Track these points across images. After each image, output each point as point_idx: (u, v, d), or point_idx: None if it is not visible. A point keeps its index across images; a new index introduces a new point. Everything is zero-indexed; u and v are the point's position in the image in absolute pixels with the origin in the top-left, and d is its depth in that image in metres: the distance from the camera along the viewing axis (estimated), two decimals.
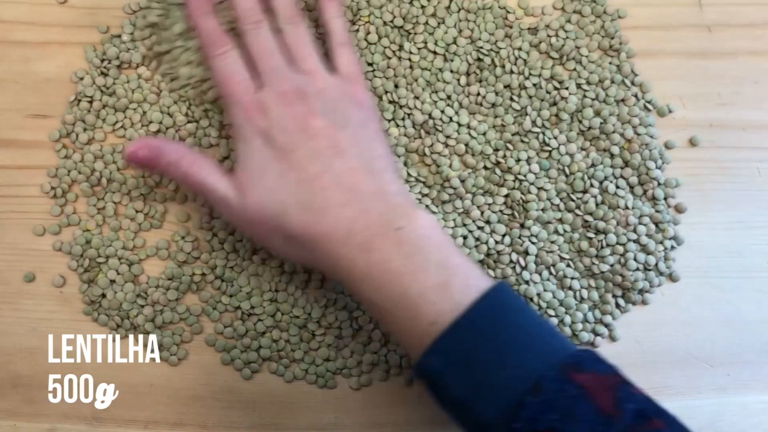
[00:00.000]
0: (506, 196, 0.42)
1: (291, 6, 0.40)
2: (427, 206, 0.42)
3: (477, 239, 0.42)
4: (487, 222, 0.42)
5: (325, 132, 0.36)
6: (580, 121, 0.43)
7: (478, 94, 0.43)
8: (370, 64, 0.43)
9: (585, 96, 0.43)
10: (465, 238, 0.42)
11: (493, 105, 0.43)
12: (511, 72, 0.44)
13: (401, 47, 0.44)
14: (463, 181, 0.42)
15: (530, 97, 0.43)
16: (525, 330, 0.33)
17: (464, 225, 0.42)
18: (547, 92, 0.44)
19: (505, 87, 0.43)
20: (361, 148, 0.37)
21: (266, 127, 0.37)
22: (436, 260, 0.34)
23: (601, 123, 0.43)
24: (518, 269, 0.42)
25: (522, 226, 0.42)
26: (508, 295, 0.34)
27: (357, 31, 0.44)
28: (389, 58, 0.43)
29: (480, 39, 0.44)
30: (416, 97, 0.43)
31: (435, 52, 0.44)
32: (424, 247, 0.34)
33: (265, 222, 0.36)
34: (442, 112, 0.43)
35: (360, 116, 0.38)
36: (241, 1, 0.39)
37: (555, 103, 0.43)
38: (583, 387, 0.31)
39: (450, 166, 0.43)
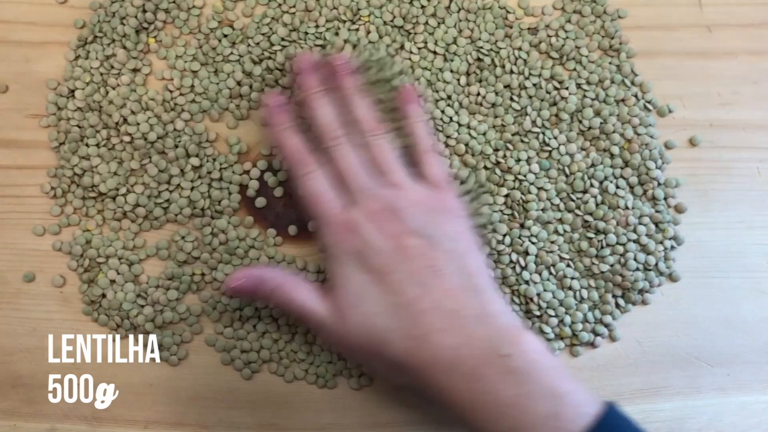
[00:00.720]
0: (506, 196, 0.42)
1: (372, 117, 0.39)
2: None
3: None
4: (489, 222, 0.42)
5: (421, 251, 0.35)
6: (580, 121, 0.43)
7: (478, 94, 0.43)
8: None
9: (585, 96, 0.43)
10: None
11: (493, 105, 0.43)
12: (511, 72, 0.44)
13: (401, 47, 0.44)
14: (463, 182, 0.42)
15: (530, 97, 0.43)
16: None
17: None
18: (547, 92, 0.44)
19: (505, 87, 0.43)
20: (458, 264, 0.36)
21: (359, 249, 0.36)
22: (546, 388, 0.32)
23: (601, 123, 0.43)
24: (518, 269, 0.42)
25: (522, 226, 0.42)
26: (620, 420, 0.33)
27: (357, 30, 0.44)
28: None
29: (480, 39, 0.44)
30: None
31: (435, 52, 0.44)
32: (532, 374, 0.32)
33: (366, 348, 0.35)
34: (443, 112, 0.43)
35: (453, 228, 0.37)
36: (317, 118, 0.39)
37: (555, 103, 0.43)
38: None
39: (450, 166, 0.43)
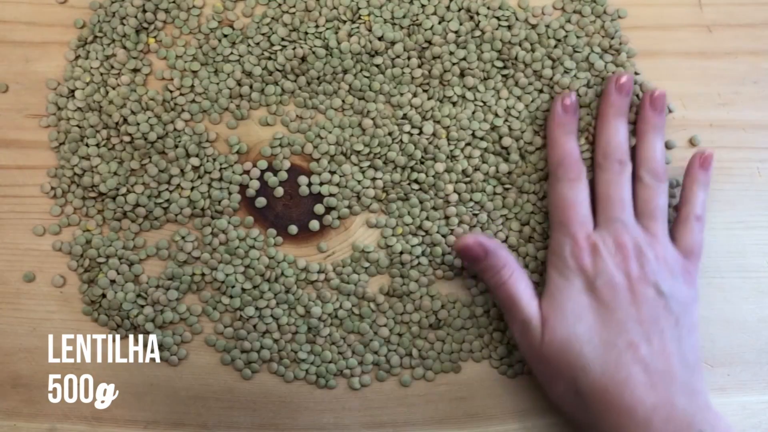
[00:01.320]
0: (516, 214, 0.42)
1: (662, 162, 0.39)
2: (426, 212, 0.42)
3: None
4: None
5: (652, 304, 0.35)
6: (581, 117, 0.43)
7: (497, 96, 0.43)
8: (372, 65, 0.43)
9: (586, 96, 0.43)
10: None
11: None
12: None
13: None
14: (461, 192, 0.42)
15: (532, 99, 0.44)
16: None
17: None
18: (551, 96, 0.44)
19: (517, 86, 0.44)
20: (681, 333, 0.36)
21: (593, 273, 0.36)
22: None
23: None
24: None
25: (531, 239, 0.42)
26: None
27: (357, 29, 0.44)
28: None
29: (481, 39, 0.44)
30: (414, 96, 0.43)
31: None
32: None
33: (558, 365, 0.35)
34: (443, 114, 0.43)
35: (687, 299, 0.37)
36: (609, 134, 0.38)
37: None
38: None
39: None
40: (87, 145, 0.43)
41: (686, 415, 0.33)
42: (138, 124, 0.42)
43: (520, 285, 0.37)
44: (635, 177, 0.39)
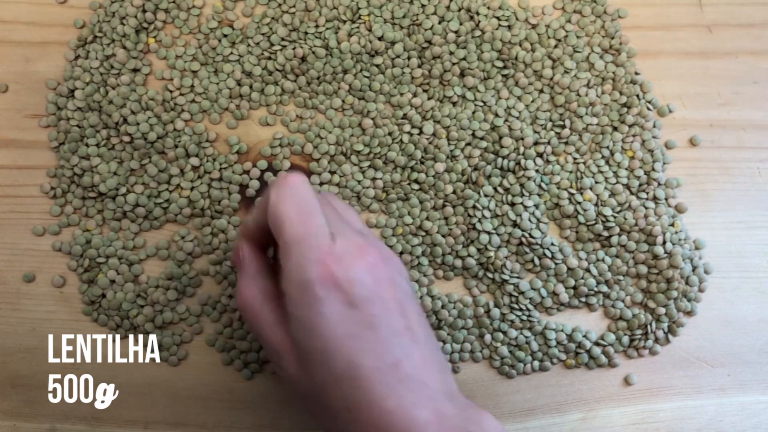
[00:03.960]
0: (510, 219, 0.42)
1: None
2: (426, 212, 0.42)
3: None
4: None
5: (402, 307, 0.31)
6: (581, 117, 0.43)
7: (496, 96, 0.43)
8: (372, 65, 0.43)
9: (586, 96, 0.43)
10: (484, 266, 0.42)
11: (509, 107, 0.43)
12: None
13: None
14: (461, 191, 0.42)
15: (532, 100, 0.44)
16: None
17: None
18: (551, 96, 0.44)
19: (518, 86, 0.44)
20: (428, 333, 0.32)
21: (348, 287, 0.30)
22: None
23: (602, 125, 0.43)
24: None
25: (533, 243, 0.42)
26: None
27: (358, 28, 0.43)
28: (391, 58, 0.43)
29: (481, 39, 0.44)
30: (414, 96, 0.43)
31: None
32: None
33: (320, 405, 0.31)
34: (443, 114, 0.43)
35: (411, 292, 0.33)
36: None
37: (555, 106, 0.43)
38: None
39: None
40: (87, 145, 0.43)
41: (454, 420, 0.30)
42: (138, 124, 0.42)
43: (268, 321, 0.33)
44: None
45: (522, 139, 0.43)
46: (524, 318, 0.42)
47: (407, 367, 0.30)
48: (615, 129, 0.43)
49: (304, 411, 0.41)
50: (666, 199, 0.43)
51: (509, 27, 0.44)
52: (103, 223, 0.43)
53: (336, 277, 0.30)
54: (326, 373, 0.30)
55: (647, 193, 0.43)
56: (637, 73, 0.44)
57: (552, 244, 0.42)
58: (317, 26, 0.44)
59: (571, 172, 0.43)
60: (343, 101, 0.43)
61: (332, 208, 0.33)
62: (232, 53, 0.44)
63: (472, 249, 0.42)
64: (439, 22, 0.44)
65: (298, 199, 0.31)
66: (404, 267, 0.34)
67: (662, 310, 0.41)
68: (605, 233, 0.42)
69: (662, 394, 0.42)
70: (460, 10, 0.44)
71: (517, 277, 0.42)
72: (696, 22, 0.45)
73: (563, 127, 0.43)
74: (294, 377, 0.32)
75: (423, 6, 0.44)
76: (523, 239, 0.42)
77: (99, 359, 0.42)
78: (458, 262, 0.42)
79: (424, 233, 0.42)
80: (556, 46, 0.44)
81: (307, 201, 0.31)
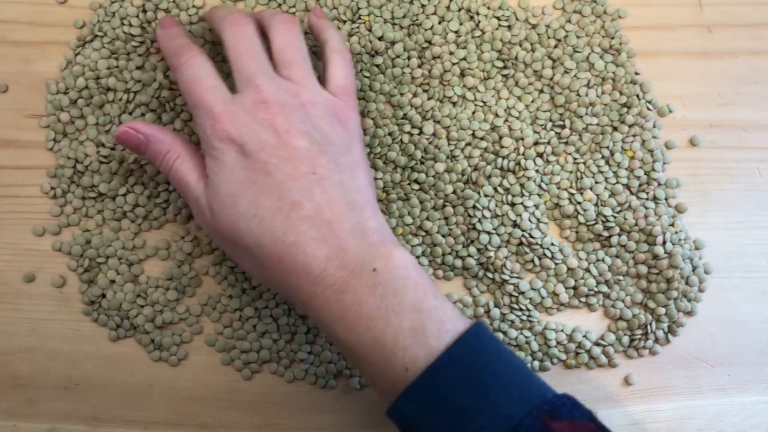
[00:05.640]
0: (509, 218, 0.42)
1: (283, 12, 0.37)
2: (426, 212, 0.42)
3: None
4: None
5: (308, 154, 0.34)
6: (581, 117, 0.43)
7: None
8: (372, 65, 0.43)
9: (586, 96, 0.43)
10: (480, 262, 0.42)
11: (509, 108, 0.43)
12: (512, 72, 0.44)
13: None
14: (462, 191, 0.42)
15: (532, 100, 0.44)
16: (500, 375, 0.32)
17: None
18: (549, 95, 0.44)
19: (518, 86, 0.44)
20: (343, 177, 0.34)
21: (240, 141, 0.34)
22: (411, 303, 0.32)
23: (603, 125, 0.43)
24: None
25: (532, 242, 0.42)
26: (484, 338, 0.33)
27: (358, 28, 0.43)
28: (391, 59, 0.43)
29: (481, 39, 0.44)
30: (414, 96, 0.43)
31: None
32: (398, 289, 0.32)
33: (236, 245, 0.35)
34: (443, 114, 0.43)
35: (344, 140, 0.36)
36: (223, 6, 0.36)
37: (555, 106, 0.43)
38: None
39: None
40: (86, 145, 0.43)
41: (359, 257, 0.33)
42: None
43: (188, 167, 0.36)
44: (266, 30, 0.37)
45: (522, 139, 0.43)
46: (524, 318, 0.42)
47: (308, 207, 0.33)
48: (615, 129, 0.43)
49: (304, 410, 0.41)
50: (666, 199, 0.43)
51: (509, 27, 0.44)
52: (103, 223, 0.43)
53: (228, 132, 0.34)
54: (235, 214, 0.34)
55: (647, 193, 0.43)
56: (637, 73, 0.44)
57: (552, 244, 0.42)
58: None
59: (571, 172, 0.43)
60: None
61: (261, 55, 0.36)
62: None
63: (472, 249, 0.42)
64: (439, 22, 0.44)
65: (194, 68, 0.35)
66: (337, 109, 0.36)
67: (662, 310, 0.41)
68: (605, 233, 0.42)
69: (662, 394, 0.42)
70: (460, 10, 0.44)
71: (517, 277, 0.42)
72: (696, 22, 0.45)
73: (563, 127, 0.43)
74: (210, 221, 0.35)
75: (423, 6, 0.44)
76: (523, 239, 0.42)
77: (99, 359, 0.42)
78: (458, 262, 0.42)
79: (424, 233, 0.42)
80: (556, 46, 0.44)
81: (198, 69, 0.35)
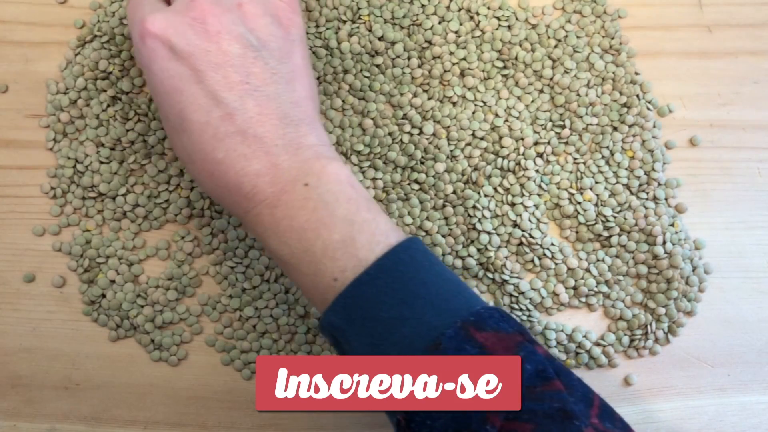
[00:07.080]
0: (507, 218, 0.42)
1: None
2: (426, 212, 0.42)
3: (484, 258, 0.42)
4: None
5: (240, 61, 0.32)
6: (581, 117, 0.43)
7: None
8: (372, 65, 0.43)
9: (586, 96, 0.43)
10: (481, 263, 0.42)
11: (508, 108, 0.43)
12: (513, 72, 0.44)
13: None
14: (461, 192, 0.42)
15: (532, 100, 0.44)
16: (429, 286, 0.31)
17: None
18: (549, 95, 0.44)
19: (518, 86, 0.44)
20: (278, 88, 0.32)
21: (167, 40, 0.32)
22: (343, 216, 0.31)
23: (603, 125, 0.43)
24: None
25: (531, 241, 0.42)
26: (416, 251, 0.32)
27: (358, 28, 0.43)
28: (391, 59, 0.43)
29: (481, 39, 0.44)
30: (415, 96, 0.43)
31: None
32: (329, 202, 0.31)
33: (179, 157, 0.34)
34: (443, 114, 0.43)
35: (283, 45, 0.33)
36: None
37: (555, 106, 0.43)
38: (483, 346, 0.29)
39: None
40: (86, 145, 0.43)
41: (290, 172, 0.32)
42: (137, 124, 0.42)
43: None
44: None
45: (522, 139, 0.43)
46: (524, 318, 0.42)
47: (239, 120, 0.32)
48: (615, 129, 0.43)
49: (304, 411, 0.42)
50: (666, 199, 0.43)
51: (509, 27, 0.44)
52: (103, 224, 0.43)
53: (155, 33, 0.32)
54: (167, 126, 0.33)
55: (647, 193, 0.43)
56: (637, 73, 0.44)
57: (552, 244, 0.42)
58: (317, 26, 0.44)
59: (571, 172, 0.43)
60: (344, 101, 0.43)
61: None
62: None
63: (472, 249, 0.42)
64: (439, 22, 0.44)
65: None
66: (279, 9, 0.34)
67: (662, 310, 0.41)
68: (605, 233, 0.42)
69: (662, 394, 0.42)
70: (460, 10, 0.44)
71: (517, 277, 0.42)
72: (696, 22, 0.45)
73: (563, 127, 0.43)
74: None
75: (423, 6, 0.44)
76: (523, 239, 0.42)
77: (99, 359, 0.42)
78: (458, 262, 0.42)
79: (424, 233, 0.42)
80: (556, 46, 0.44)
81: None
